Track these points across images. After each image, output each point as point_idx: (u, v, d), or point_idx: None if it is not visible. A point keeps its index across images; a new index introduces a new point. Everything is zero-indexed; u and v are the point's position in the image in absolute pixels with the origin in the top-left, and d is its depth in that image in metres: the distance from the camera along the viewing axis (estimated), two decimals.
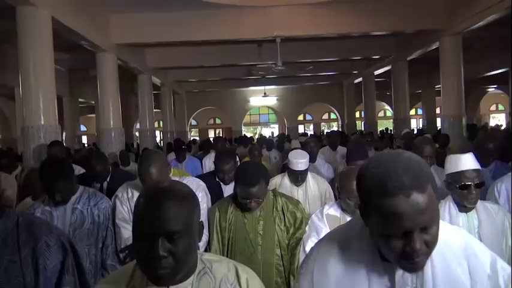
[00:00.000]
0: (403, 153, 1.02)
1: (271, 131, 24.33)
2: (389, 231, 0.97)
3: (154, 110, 12.11)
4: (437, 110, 17.45)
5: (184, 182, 2.52)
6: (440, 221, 1.20)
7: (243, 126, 23.25)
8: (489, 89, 20.89)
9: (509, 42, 6.79)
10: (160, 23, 8.65)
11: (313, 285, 1.16)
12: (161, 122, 15.17)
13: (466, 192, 2.13)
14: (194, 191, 2.52)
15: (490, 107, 24.90)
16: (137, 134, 16.44)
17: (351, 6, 8.57)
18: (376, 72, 14.34)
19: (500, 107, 24.73)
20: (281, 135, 12.79)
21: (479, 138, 3.44)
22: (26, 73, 5.51)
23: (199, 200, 2.54)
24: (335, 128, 22.24)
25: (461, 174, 2.16)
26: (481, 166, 3.33)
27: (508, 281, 1.09)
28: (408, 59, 11.60)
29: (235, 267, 1.25)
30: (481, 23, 7.82)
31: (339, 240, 1.18)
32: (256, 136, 19.47)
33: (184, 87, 17.69)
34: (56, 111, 5.85)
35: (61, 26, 6.35)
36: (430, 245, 0.99)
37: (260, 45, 11.00)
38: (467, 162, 2.18)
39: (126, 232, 2.59)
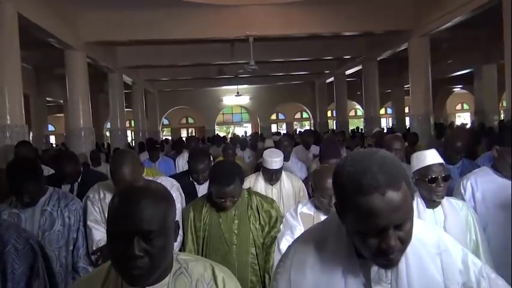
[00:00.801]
0: (378, 152, 1.04)
1: (244, 130, 24.33)
2: (364, 228, 0.98)
3: (126, 109, 11.91)
4: (406, 109, 17.87)
5: (158, 181, 2.50)
6: (414, 218, 1.23)
7: (216, 126, 23.16)
8: (455, 89, 21.59)
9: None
10: (131, 21, 8.52)
11: (290, 284, 1.17)
12: (133, 122, 14.92)
13: (434, 186, 2.19)
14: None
15: (455, 106, 25.70)
16: (108, 133, 16.13)
17: (323, 7, 8.68)
18: (347, 72, 14.58)
19: (466, 107, 25.57)
20: (254, 135, 12.82)
21: (447, 137, 3.56)
22: None
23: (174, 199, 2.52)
24: (307, 127, 22.45)
25: (428, 168, 2.22)
26: (449, 164, 3.48)
27: (478, 276, 1.13)
28: (378, 59, 11.85)
29: (212, 267, 1.25)
30: (448, 25, 8.08)
31: (316, 239, 1.19)
32: (229, 135, 19.44)
33: (156, 86, 17.47)
34: (23, 110, 5.67)
35: (28, 22, 6.16)
36: (405, 241, 1.01)
37: (233, 45, 10.99)
38: (432, 157, 2.26)
39: (98, 234, 2.53)
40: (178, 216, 2.51)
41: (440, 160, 2.26)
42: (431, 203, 2.26)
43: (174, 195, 2.51)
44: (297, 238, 1.30)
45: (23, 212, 2.40)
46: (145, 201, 1.09)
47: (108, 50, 10.43)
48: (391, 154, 1.07)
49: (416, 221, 1.18)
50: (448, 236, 1.23)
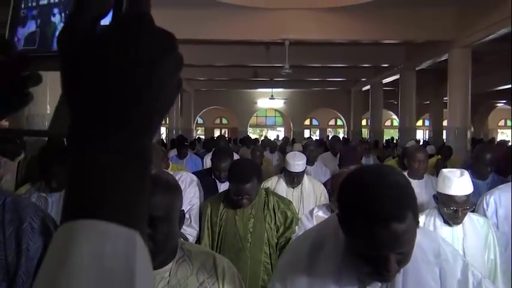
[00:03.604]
0: (390, 176, 1.00)
1: (276, 133, 24.35)
2: (363, 252, 0.99)
3: None
4: (445, 123, 17.34)
5: (178, 176, 2.57)
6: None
7: (249, 128, 23.29)
8: (498, 104, 20.77)
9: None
10: (170, 20, 8.65)
11: (286, 285, 1.18)
12: (167, 119, 15.26)
13: (452, 214, 2.14)
14: (187, 185, 2.56)
15: (498, 122, 24.70)
16: None
17: (361, 13, 8.58)
18: (385, 81, 14.33)
19: (509, 123, 24.53)
20: (285, 139, 12.82)
21: (476, 152, 3.46)
22: None
23: (192, 194, 2.60)
24: (341, 135, 22.22)
25: (450, 198, 2.13)
26: (479, 179, 3.38)
27: None
28: (417, 69, 11.58)
29: (213, 257, 1.29)
30: (491, 37, 7.81)
31: (313, 241, 1.20)
32: (262, 138, 19.54)
33: (192, 85, 17.77)
34: None
35: None
36: (403, 264, 1.02)
37: (268, 48, 11.05)
38: (459, 186, 2.14)
39: None
40: (195, 212, 2.57)
41: (467, 191, 2.14)
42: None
43: (192, 190, 2.61)
44: (294, 240, 1.32)
45: (50, 196, 2.52)
46: (153, 189, 1.15)
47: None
48: (403, 177, 1.04)
49: (418, 228, 1.17)
50: (450, 245, 1.21)
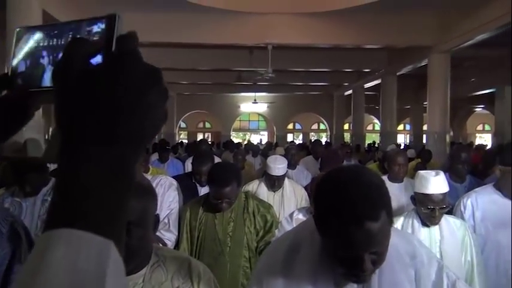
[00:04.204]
0: (363, 177, 1.01)
1: (259, 138, 24.38)
2: (338, 253, 0.99)
3: None
4: (425, 127, 17.61)
5: (157, 180, 2.54)
6: (394, 227, 1.23)
7: (232, 132, 23.26)
8: (476, 109, 21.21)
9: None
10: (152, 23, 8.65)
11: (262, 284, 1.17)
12: None
13: (429, 213, 2.17)
14: (166, 189, 2.52)
15: (476, 126, 25.22)
16: None
17: (344, 18, 8.67)
18: (366, 85, 14.50)
19: (487, 127, 25.07)
20: (268, 143, 12.85)
21: (452, 149, 3.57)
22: None
23: (171, 199, 2.56)
24: (324, 139, 22.37)
25: (427, 197, 2.17)
26: (457, 181, 3.43)
27: None
28: (398, 74, 11.75)
29: (189, 262, 1.27)
30: (470, 42, 7.98)
31: (289, 244, 1.19)
32: (245, 142, 19.53)
33: (175, 88, 17.66)
34: None
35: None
36: (378, 264, 1.02)
37: (251, 52, 11.07)
38: (435, 185, 2.18)
39: None
40: (174, 216, 2.54)
41: (443, 189, 2.18)
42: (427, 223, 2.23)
43: (172, 194, 2.58)
44: (271, 242, 1.31)
45: (25, 201, 2.46)
46: None
47: None
48: (377, 178, 1.05)
49: (393, 229, 1.18)
50: (426, 247, 1.22)
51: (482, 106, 19.67)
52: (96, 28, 0.44)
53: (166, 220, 2.52)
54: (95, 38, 0.44)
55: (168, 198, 2.53)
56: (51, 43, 0.47)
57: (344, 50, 10.68)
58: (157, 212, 2.48)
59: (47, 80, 0.46)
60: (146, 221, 1.17)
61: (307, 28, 8.83)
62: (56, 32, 0.47)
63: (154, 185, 2.50)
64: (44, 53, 0.47)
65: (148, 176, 2.61)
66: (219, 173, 2.33)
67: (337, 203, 0.96)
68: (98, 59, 0.41)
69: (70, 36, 0.46)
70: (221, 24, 8.68)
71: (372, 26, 8.78)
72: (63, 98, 0.39)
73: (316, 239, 1.11)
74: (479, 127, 25.49)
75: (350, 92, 15.94)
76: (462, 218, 2.38)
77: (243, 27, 8.76)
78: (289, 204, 3.39)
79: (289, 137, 24.10)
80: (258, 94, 18.91)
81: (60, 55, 0.44)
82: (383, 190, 1.00)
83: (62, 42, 0.46)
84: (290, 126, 24.58)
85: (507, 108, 11.92)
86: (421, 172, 2.31)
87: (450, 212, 2.38)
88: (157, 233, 2.48)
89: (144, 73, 0.40)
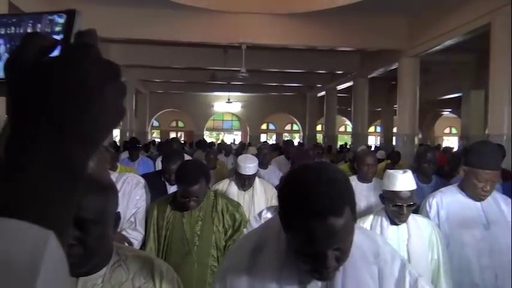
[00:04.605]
0: (327, 173, 1.00)
1: (233, 137, 24.33)
2: (302, 249, 0.98)
3: None
4: (395, 129, 17.99)
5: (124, 178, 2.48)
6: (358, 225, 1.23)
7: (206, 131, 23.12)
8: (444, 112, 21.83)
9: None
10: (125, 19, 8.50)
11: (225, 282, 1.15)
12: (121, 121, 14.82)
13: (397, 210, 2.21)
14: (133, 187, 2.46)
15: (444, 129, 25.95)
16: None
17: (318, 20, 8.74)
18: (339, 87, 14.68)
19: (454, 131, 25.84)
20: (241, 143, 12.85)
21: (418, 150, 3.69)
22: None
23: (138, 197, 2.51)
24: (297, 140, 22.52)
25: (395, 194, 2.20)
26: (423, 182, 3.51)
27: (413, 287, 1.13)
28: (369, 76, 11.95)
29: (152, 261, 1.23)
30: (438, 47, 8.20)
31: (255, 243, 1.17)
32: (218, 142, 19.45)
33: (148, 86, 17.42)
34: None
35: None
36: (341, 261, 1.01)
37: (226, 51, 11.03)
38: (403, 182, 2.22)
39: None
40: (141, 215, 2.49)
41: (410, 187, 2.22)
42: (395, 221, 2.27)
43: (138, 192, 2.52)
44: (237, 240, 1.29)
45: None
46: (84, 190, 1.08)
47: (101, 47, 10.34)
48: (342, 175, 1.04)
49: (357, 227, 1.18)
50: (389, 245, 1.23)
51: (449, 110, 20.26)
52: (57, 19, 0.44)
53: (132, 219, 2.46)
54: (56, 29, 0.43)
55: (134, 196, 2.47)
56: (8, 31, 0.46)
57: (318, 51, 10.78)
58: (124, 210, 2.44)
59: (1, 71, 0.44)
60: (105, 219, 1.13)
61: (282, 29, 8.87)
62: (14, 20, 0.46)
63: (120, 182, 2.44)
64: (1, 41, 0.46)
65: (115, 174, 2.54)
66: (187, 171, 2.29)
67: (300, 198, 0.95)
68: (55, 54, 0.40)
69: (30, 25, 0.44)
70: (195, 22, 8.61)
71: (345, 29, 8.90)
72: (13, 89, 0.38)
73: (282, 237, 1.10)
74: (447, 130, 26.25)
75: (323, 93, 16.11)
76: (428, 217, 2.42)
77: (218, 26, 8.71)
78: (260, 203, 3.38)
79: (263, 137, 24.15)
80: (231, 94, 18.87)
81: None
82: (347, 186, 1.00)
83: (21, 31, 0.44)
84: (264, 126, 24.64)
85: (472, 112, 12.31)
86: (389, 171, 2.34)
87: (416, 212, 2.43)
88: (124, 232, 2.43)
89: (100, 68, 0.39)
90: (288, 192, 0.99)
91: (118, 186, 2.45)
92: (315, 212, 0.93)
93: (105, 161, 2.34)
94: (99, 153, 2.34)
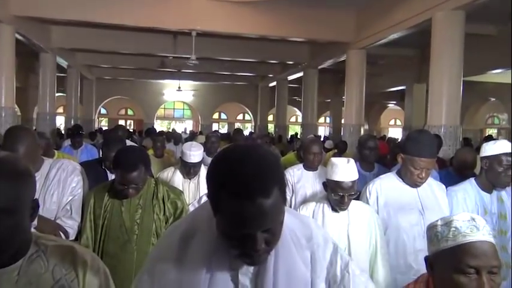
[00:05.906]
0: (257, 151, 0.98)
1: (184, 126, 23.98)
2: (230, 231, 0.95)
3: (59, 94, 11.25)
4: (343, 120, 18.48)
5: (59, 164, 2.35)
6: (292, 210, 1.22)
7: (157, 120, 22.61)
8: (389, 105, 22.69)
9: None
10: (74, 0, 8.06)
11: (153, 279, 1.11)
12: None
13: (338, 199, 2.25)
14: (69, 174, 2.34)
15: (389, 121, 27.01)
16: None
17: (269, 9, 8.71)
18: (290, 78, 14.82)
19: (398, 122, 26.94)
20: (192, 132, 12.68)
21: (360, 138, 3.83)
22: None
23: (74, 184, 2.38)
24: (249, 129, 22.56)
25: (337, 184, 2.25)
26: (366, 170, 3.61)
27: (344, 271, 1.14)
28: (319, 67, 12.14)
29: (74, 251, 1.15)
30: (383, 41, 8.44)
31: (184, 231, 1.13)
32: (170, 131, 19.08)
33: (94, 72, 16.72)
34: None
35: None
36: (272, 243, 0.99)
37: (176, 37, 10.77)
38: (345, 173, 2.26)
39: None
40: (77, 202, 2.38)
41: (353, 177, 2.26)
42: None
43: (75, 179, 2.39)
44: (168, 228, 1.25)
45: None
46: None
47: (42, 28, 9.79)
48: (272, 155, 1.01)
49: (291, 212, 1.17)
50: (323, 230, 1.23)
51: (394, 102, 21.08)
52: None
53: (68, 207, 2.34)
54: None
55: (70, 183, 2.34)
56: None
57: (269, 41, 10.78)
58: (59, 197, 2.31)
59: None
60: (19, 207, 1.04)
61: (233, 16, 8.76)
62: None
63: (55, 169, 2.31)
64: None
65: (50, 160, 2.39)
66: (125, 157, 2.20)
67: (228, 178, 0.92)
68: None
69: None
70: (145, 6, 8.31)
71: (296, 19, 8.95)
72: None
73: (213, 223, 1.07)
74: (392, 122, 27.32)
75: (274, 83, 16.20)
76: (368, 203, 2.49)
77: (167, 10, 8.46)
78: (205, 191, 3.34)
79: (215, 127, 24.03)
80: (182, 82, 18.52)
81: None
82: (277, 166, 0.98)
83: None
84: (216, 115, 24.48)
85: (414, 104, 12.87)
86: (333, 159, 2.37)
87: (358, 198, 2.49)
88: (58, 220, 2.30)
89: None
90: (216, 173, 0.95)
91: (52, 173, 2.32)
92: (243, 192, 0.90)
93: (36, 147, 2.19)
94: (31, 142, 2.19)
